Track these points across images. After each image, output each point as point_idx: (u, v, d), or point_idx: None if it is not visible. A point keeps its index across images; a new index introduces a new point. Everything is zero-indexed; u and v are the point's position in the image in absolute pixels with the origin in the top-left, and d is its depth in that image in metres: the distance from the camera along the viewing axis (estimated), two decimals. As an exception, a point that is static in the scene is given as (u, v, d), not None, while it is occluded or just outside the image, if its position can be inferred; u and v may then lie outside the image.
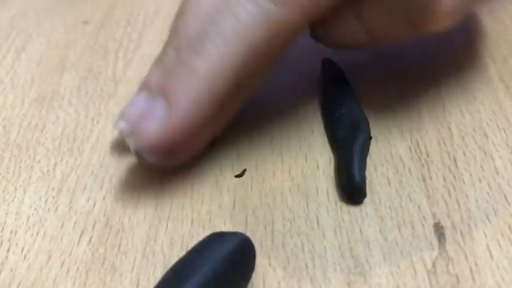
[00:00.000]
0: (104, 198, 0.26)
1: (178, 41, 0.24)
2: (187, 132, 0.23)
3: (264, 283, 0.22)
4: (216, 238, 0.21)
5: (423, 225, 0.23)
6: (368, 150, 0.26)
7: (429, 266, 0.22)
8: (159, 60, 0.25)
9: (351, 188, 0.25)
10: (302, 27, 0.25)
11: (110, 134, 0.29)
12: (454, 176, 0.25)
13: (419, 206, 0.24)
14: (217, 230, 0.24)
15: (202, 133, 0.24)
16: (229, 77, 0.23)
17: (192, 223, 0.24)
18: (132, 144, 0.23)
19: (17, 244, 0.24)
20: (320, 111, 0.30)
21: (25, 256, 0.24)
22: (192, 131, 0.23)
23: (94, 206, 0.26)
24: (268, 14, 0.23)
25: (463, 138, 0.27)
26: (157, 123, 0.22)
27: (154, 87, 0.23)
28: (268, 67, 0.25)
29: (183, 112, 0.22)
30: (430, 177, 0.25)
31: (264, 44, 0.23)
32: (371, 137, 0.27)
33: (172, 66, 0.23)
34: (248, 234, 0.24)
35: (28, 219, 0.25)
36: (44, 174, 0.27)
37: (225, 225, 0.24)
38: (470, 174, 0.25)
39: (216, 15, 0.23)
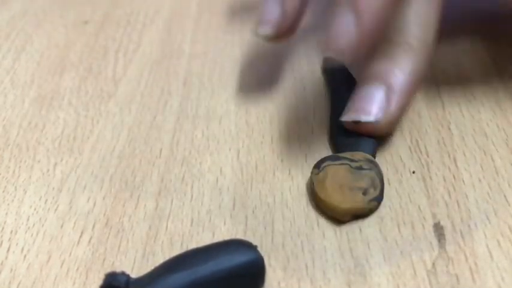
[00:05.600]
0: (103, 198, 0.26)
1: None
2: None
3: (264, 283, 0.22)
4: (227, 248, 0.21)
5: (423, 225, 0.23)
6: (375, 155, 0.26)
7: (429, 266, 0.22)
8: None
9: None
10: None
11: (109, 134, 0.30)
12: (454, 176, 0.25)
13: (419, 206, 0.24)
14: (217, 230, 0.24)
15: None
16: None
17: (192, 223, 0.24)
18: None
19: (17, 244, 0.24)
20: (326, 111, 0.30)
21: (25, 256, 0.24)
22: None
23: (94, 206, 0.26)
24: None
25: (463, 138, 0.27)
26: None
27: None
28: None
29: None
30: (430, 177, 0.25)
31: None
32: (379, 143, 0.27)
33: None
34: (248, 234, 0.24)
35: (28, 219, 0.25)
36: (44, 174, 0.27)
37: (225, 225, 0.24)
38: (470, 175, 0.25)
39: None
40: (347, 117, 0.26)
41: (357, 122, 0.26)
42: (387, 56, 0.26)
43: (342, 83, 0.30)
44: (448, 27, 0.35)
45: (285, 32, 0.29)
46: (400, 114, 0.26)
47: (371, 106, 0.26)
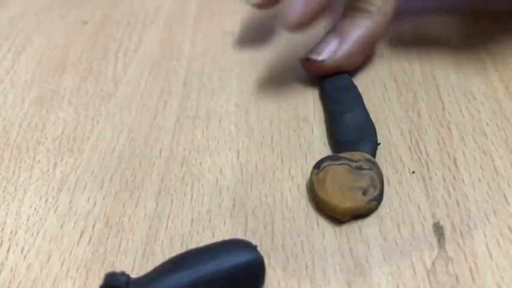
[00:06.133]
0: (104, 198, 0.26)
1: None
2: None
3: (263, 283, 0.22)
4: (227, 248, 0.21)
5: (423, 225, 0.23)
6: (375, 155, 0.26)
7: (429, 266, 0.22)
8: None
9: None
10: None
11: (109, 134, 0.30)
12: (454, 176, 0.25)
13: (419, 206, 0.24)
14: (217, 230, 0.24)
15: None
16: None
17: (192, 223, 0.25)
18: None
19: (17, 244, 0.24)
20: (323, 112, 0.30)
21: (25, 256, 0.24)
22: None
23: (94, 206, 0.26)
24: None
25: (463, 138, 0.27)
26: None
27: None
28: None
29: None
30: (430, 177, 0.25)
31: None
32: (379, 143, 0.27)
33: None
34: (248, 234, 0.24)
35: (28, 219, 0.25)
36: (44, 174, 0.27)
37: (225, 225, 0.24)
38: (470, 174, 0.25)
39: None
40: (304, 55, 0.32)
41: (308, 60, 0.31)
42: (349, 18, 0.32)
43: (339, 84, 0.30)
44: (448, 27, 0.35)
45: (272, 2, 0.33)
46: (344, 59, 0.31)
47: (322, 49, 0.31)
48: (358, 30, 0.31)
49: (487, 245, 0.22)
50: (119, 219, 0.25)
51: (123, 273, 0.20)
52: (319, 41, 0.32)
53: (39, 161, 0.28)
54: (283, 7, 0.29)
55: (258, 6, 0.33)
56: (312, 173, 0.25)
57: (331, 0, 0.29)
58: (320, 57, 0.31)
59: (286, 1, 0.29)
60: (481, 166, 0.26)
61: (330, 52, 0.31)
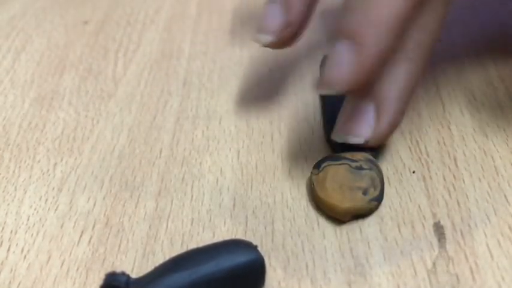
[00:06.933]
0: (104, 198, 0.26)
1: None
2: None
3: (264, 283, 0.22)
4: (228, 248, 0.21)
5: (423, 225, 0.23)
6: (377, 156, 0.26)
7: (429, 266, 0.22)
8: None
9: None
10: None
11: (109, 134, 0.30)
12: (454, 176, 0.25)
13: (419, 206, 0.24)
14: (217, 230, 0.24)
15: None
16: None
17: (192, 223, 0.24)
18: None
19: (17, 244, 0.24)
20: (321, 114, 0.30)
21: (25, 256, 0.24)
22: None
23: (94, 206, 0.26)
24: None
25: (463, 138, 0.27)
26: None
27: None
28: None
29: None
30: (430, 177, 0.25)
31: None
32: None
33: None
34: (248, 234, 0.24)
35: (28, 219, 0.25)
36: (44, 174, 0.27)
37: (225, 225, 0.24)
38: (470, 174, 0.25)
39: None
40: (337, 137, 0.25)
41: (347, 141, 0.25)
42: None
43: None
44: (450, 29, 0.35)
45: (286, 41, 0.27)
46: (392, 129, 0.25)
47: (359, 127, 0.24)
48: (396, 83, 0.24)
49: (487, 245, 0.22)
50: (119, 219, 0.25)
51: (123, 273, 0.20)
52: (347, 109, 0.25)
53: (39, 161, 0.28)
54: (325, 63, 0.23)
55: (271, 45, 0.27)
56: (312, 173, 0.25)
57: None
58: (361, 140, 0.24)
59: (330, 54, 0.23)
60: (481, 166, 0.26)
61: (370, 127, 0.24)
